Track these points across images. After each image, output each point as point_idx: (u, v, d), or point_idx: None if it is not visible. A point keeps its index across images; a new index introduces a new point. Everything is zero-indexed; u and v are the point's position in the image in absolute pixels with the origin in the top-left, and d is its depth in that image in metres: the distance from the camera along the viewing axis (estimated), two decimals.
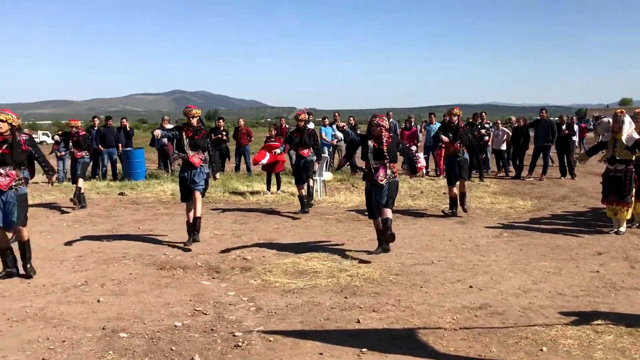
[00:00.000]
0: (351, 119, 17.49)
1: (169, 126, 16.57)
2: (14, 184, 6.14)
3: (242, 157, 16.42)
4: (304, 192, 10.17)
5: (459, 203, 9.68)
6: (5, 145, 6.12)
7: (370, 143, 7.03)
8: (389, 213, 6.96)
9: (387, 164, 6.95)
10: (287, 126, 16.84)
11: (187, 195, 7.74)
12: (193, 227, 7.77)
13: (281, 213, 10.21)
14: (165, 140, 15.87)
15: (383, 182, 6.92)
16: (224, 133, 16.23)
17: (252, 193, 12.47)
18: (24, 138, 6.29)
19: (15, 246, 6.37)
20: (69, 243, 7.91)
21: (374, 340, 4.39)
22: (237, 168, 16.46)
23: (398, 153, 7.10)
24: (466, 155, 9.74)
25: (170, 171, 16.02)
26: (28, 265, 6.33)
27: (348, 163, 7.73)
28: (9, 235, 6.40)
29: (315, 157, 10.22)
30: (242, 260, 6.86)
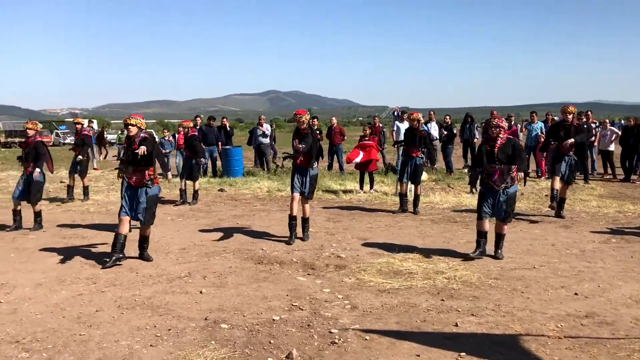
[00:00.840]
0: (447, 117, 17.16)
1: (266, 125, 17.02)
2: (145, 181, 6.73)
3: (335, 156, 16.53)
4: (405, 190, 10.05)
5: (555, 208, 9.28)
6: (128, 147, 6.78)
7: (484, 146, 6.79)
8: (505, 229, 6.85)
9: (503, 168, 6.61)
10: (380, 125, 16.77)
11: (294, 191, 7.86)
12: (301, 224, 8.06)
13: (374, 212, 10.18)
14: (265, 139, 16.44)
15: (500, 188, 6.66)
16: (318, 132, 16.40)
17: (345, 192, 12.52)
18: (139, 137, 6.76)
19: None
20: (173, 236, 8.31)
21: (472, 345, 4.28)
22: (330, 167, 16.60)
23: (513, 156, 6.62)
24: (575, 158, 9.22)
25: (266, 169, 16.43)
26: (145, 254, 7.01)
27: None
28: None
29: (423, 160, 9.94)
30: (336, 258, 6.91)
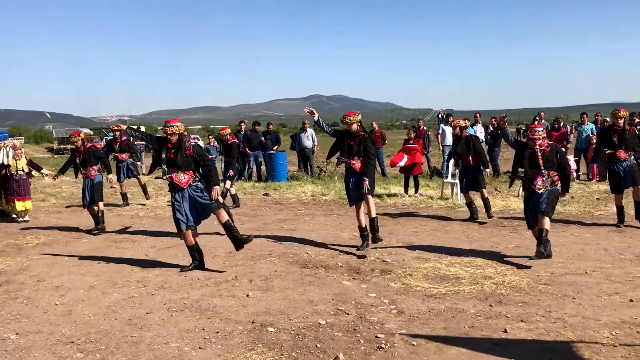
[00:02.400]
0: (494, 120, 16.86)
1: (310, 130, 17.09)
2: (191, 182, 6.73)
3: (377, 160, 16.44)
4: (471, 198, 9.67)
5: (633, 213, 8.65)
6: (173, 150, 6.74)
7: (528, 151, 6.69)
8: (546, 223, 6.61)
9: (545, 173, 6.58)
10: (424, 128, 16.63)
11: (353, 200, 7.65)
12: (370, 228, 7.65)
13: (420, 216, 10.09)
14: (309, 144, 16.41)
15: (541, 191, 6.59)
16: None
17: (389, 196, 12.44)
18: (191, 144, 6.79)
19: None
20: (219, 240, 8.42)
21: (522, 351, 4.19)
22: None
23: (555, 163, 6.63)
24: (633, 160, 8.56)
25: (310, 173, 16.49)
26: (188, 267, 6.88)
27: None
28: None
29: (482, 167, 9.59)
30: (381, 263, 6.88)
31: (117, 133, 12.42)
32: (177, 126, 6.71)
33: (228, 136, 11.62)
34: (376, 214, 7.69)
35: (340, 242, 7.99)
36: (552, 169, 6.63)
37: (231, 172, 11.06)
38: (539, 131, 6.71)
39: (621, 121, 8.70)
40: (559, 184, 6.71)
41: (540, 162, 6.57)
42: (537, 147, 6.63)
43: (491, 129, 16.03)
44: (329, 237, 8.43)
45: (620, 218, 8.72)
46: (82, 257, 7.58)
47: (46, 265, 7.23)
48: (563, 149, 14.62)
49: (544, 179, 6.60)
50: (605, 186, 12.16)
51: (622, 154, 8.59)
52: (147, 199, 12.45)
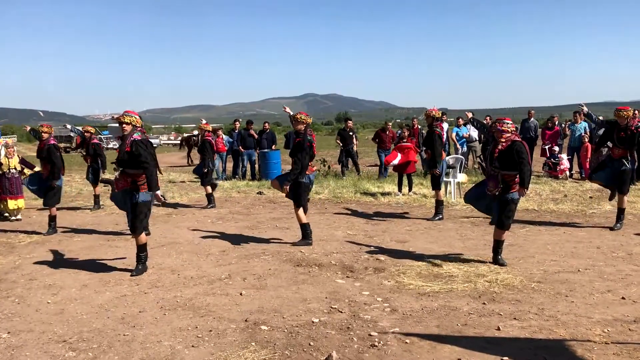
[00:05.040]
0: (487, 118, 16.88)
1: None
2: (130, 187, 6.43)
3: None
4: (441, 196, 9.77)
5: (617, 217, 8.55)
6: (120, 145, 6.50)
7: (489, 147, 6.51)
8: (500, 236, 6.52)
9: (499, 174, 6.31)
10: (419, 127, 16.64)
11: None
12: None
13: (413, 215, 10.10)
14: None
15: (492, 193, 6.42)
16: (351, 134, 16.39)
17: (383, 194, 12.46)
18: (131, 140, 6.31)
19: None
20: (213, 238, 8.41)
21: (515, 349, 4.20)
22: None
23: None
24: (629, 165, 8.29)
25: None
26: (138, 266, 6.66)
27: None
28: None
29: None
30: (375, 261, 6.88)
31: (87, 135, 12.06)
32: (134, 118, 6.42)
33: (205, 132, 11.48)
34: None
35: (334, 241, 7.99)
36: (510, 170, 6.26)
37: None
38: (508, 123, 6.36)
39: (624, 121, 8.26)
40: (515, 189, 6.31)
41: (495, 161, 6.30)
42: (502, 140, 6.29)
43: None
44: (322, 235, 8.43)
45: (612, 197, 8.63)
46: (74, 256, 7.54)
47: (38, 263, 7.19)
48: (556, 147, 14.70)
49: (497, 181, 6.35)
50: (597, 184, 12.21)
51: (616, 152, 8.39)
52: (93, 210, 11.48)
